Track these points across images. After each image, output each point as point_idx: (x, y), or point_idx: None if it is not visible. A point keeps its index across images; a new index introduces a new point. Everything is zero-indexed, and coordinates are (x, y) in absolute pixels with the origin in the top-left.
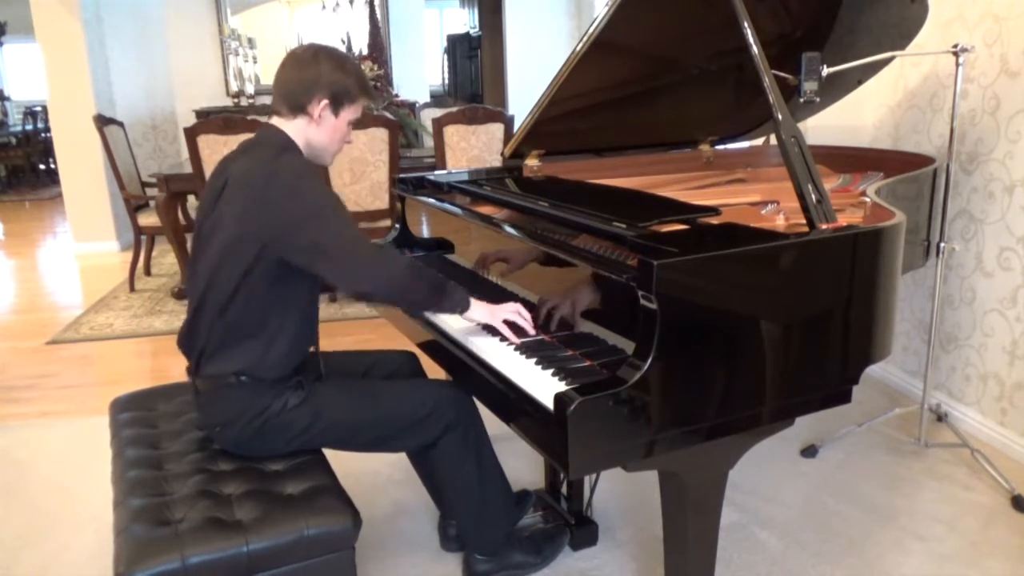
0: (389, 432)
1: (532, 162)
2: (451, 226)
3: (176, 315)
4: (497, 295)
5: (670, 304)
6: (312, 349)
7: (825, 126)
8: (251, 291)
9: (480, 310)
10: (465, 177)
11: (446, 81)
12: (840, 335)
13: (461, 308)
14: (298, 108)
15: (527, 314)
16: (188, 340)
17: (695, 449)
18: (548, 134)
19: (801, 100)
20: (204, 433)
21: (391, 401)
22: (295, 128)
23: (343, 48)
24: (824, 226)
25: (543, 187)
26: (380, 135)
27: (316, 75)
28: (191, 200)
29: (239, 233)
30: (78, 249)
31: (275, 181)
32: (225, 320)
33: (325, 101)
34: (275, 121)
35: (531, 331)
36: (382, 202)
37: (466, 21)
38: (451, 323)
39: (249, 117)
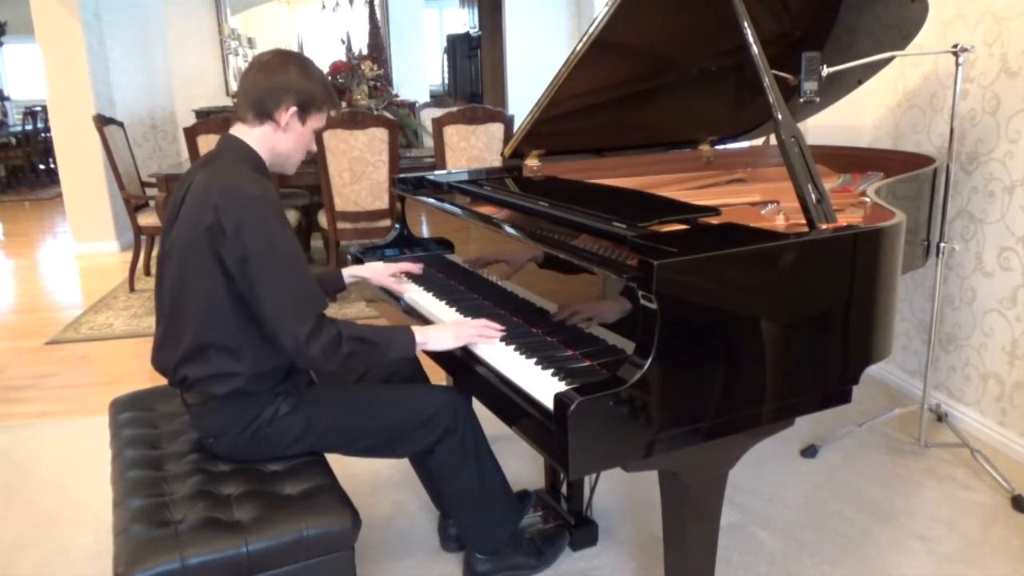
0: (386, 438)
1: (532, 162)
2: (451, 226)
3: None
4: (497, 295)
5: (670, 304)
6: None
7: (825, 126)
8: (219, 309)
9: (442, 339)
10: (465, 177)
11: (446, 81)
12: (840, 335)
13: (407, 350)
14: (264, 114)
15: (494, 325)
16: (162, 360)
17: (695, 449)
18: (548, 134)
19: (801, 100)
20: None
21: (387, 407)
22: (259, 136)
23: (343, 48)
24: (824, 226)
25: (543, 187)
26: (380, 135)
27: (285, 81)
28: None
29: (199, 250)
30: (78, 249)
31: (240, 204)
32: (198, 338)
33: (293, 108)
34: (237, 130)
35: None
36: (382, 202)
37: (466, 21)
38: None
39: None
